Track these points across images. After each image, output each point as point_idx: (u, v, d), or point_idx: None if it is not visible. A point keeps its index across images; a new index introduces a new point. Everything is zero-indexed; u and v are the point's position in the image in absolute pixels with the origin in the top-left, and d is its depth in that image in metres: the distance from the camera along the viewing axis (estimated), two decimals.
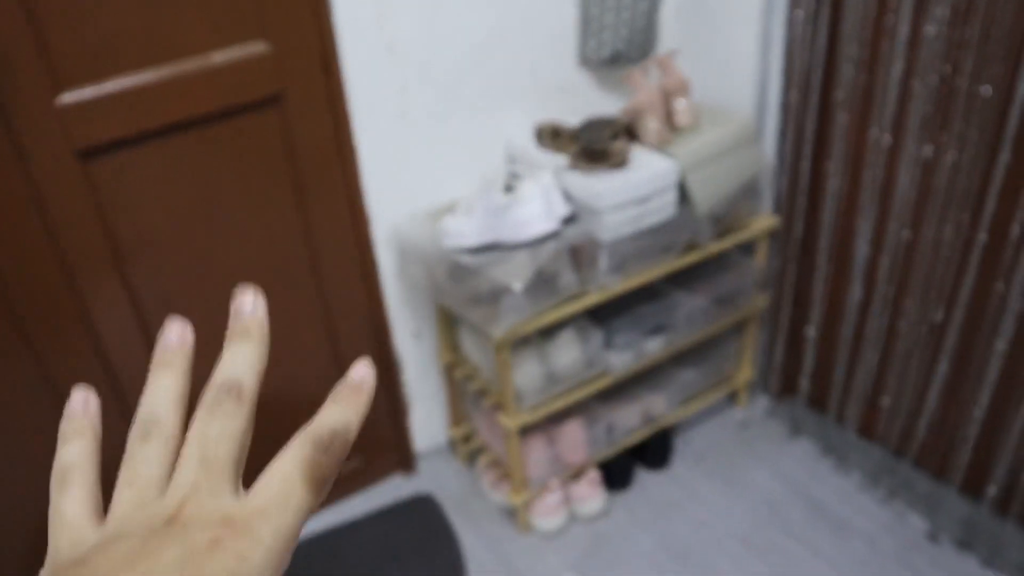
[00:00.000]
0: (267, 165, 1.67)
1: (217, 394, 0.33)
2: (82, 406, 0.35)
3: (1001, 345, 1.65)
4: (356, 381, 0.35)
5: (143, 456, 0.32)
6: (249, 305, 0.36)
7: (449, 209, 1.81)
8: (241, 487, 0.33)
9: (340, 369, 1.94)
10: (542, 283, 1.65)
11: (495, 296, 1.61)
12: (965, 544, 1.87)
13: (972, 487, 1.83)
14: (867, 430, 2.03)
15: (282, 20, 1.56)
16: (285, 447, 0.32)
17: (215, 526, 0.30)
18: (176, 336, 0.36)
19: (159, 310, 1.66)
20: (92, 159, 1.48)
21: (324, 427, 0.33)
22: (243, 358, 0.34)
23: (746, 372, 2.22)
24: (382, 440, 2.11)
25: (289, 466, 0.32)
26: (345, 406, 0.34)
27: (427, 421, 2.15)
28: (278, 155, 1.68)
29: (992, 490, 1.78)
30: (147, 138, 1.52)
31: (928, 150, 1.62)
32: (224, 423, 0.32)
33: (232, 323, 0.35)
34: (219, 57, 1.53)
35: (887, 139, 1.69)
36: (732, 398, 2.30)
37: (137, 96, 1.47)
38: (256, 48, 1.56)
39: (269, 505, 0.31)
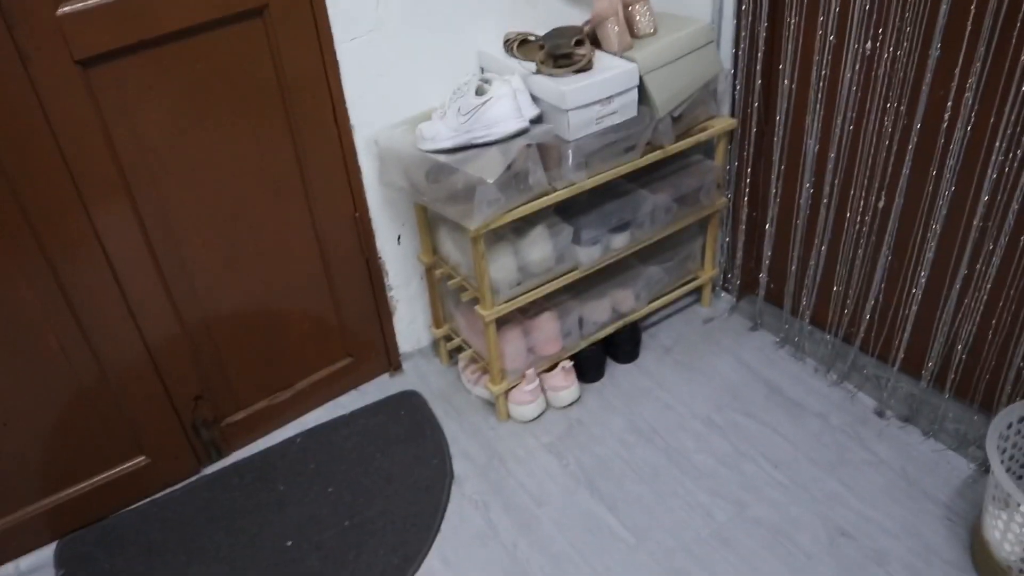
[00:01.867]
0: (255, 76, 1.77)
1: None
2: None
3: (936, 227, 1.79)
4: None
5: None
6: None
7: (427, 116, 1.92)
8: None
9: (328, 274, 2.07)
10: (513, 179, 1.78)
11: (470, 192, 1.74)
12: (908, 418, 2.04)
13: (913, 366, 2.00)
14: (819, 319, 2.19)
15: None
16: None
17: None
18: None
19: (159, 215, 1.77)
20: (92, 67, 1.58)
21: None
22: None
23: (709, 271, 2.37)
24: (369, 342, 2.25)
25: None
26: None
27: (411, 323, 2.29)
28: (265, 66, 1.78)
29: (930, 367, 1.95)
30: (142, 48, 1.61)
31: (869, 46, 1.75)
32: None
33: None
34: None
35: (832, 38, 1.82)
36: (697, 296, 2.46)
37: (131, 6, 1.57)
38: None
39: None
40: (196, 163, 1.77)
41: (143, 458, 2.00)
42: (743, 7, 1.96)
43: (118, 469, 1.98)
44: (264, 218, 1.92)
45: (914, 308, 1.92)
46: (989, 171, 1.65)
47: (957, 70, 1.61)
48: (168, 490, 2.05)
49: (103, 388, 1.86)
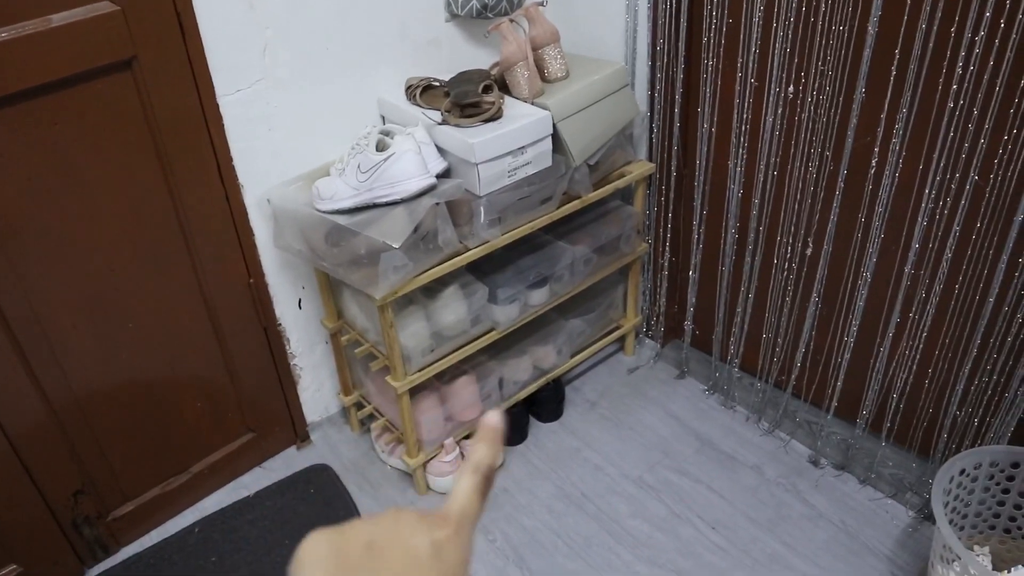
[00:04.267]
0: (126, 134, 1.58)
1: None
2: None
3: (866, 274, 1.72)
4: (492, 425, 0.49)
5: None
6: (494, 422, 0.49)
7: (324, 172, 1.76)
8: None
9: (223, 345, 1.88)
10: (421, 240, 1.63)
11: (374, 257, 1.58)
12: (843, 466, 1.97)
13: (847, 412, 1.93)
14: (749, 366, 2.10)
15: None
16: (461, 472, 0.47)
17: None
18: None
19: (18, 298, 1.56)
20: None
21: (482, 463, 0.47)
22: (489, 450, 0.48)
23: (632, 318, 2.26)
24: (273, 414, 2.05)
25: (468, 487, 0.46)
26: (490, 445, 0.48)
27: (318, 391, 2.11)
28: (137, 123, 1.59)
29: (864, 414, 1.88)
30: None
31: (791, 90, 1.67)
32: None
33: (481, 431, 0.49)
34: (59, 19, 1.43)
35: (752, 81, 1.73)
36: (620, 345, 2.35)
37: None
38: (101, 8, 1.46)
39: (464, 512, 0.45)
40: (60, 235, 1.57)
41: (14, 567, 1.76)
42: (658, 48, 1.86)
43: None
44: (144, 289, 1.72)
45: (847, 356, 1.85)
46: (919, 218, 1.58)
47: (883, 115, 1.54)
48: None
49: None
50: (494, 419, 0.49)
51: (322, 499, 1.98)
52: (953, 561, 1.50)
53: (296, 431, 2.12)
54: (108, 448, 1.81)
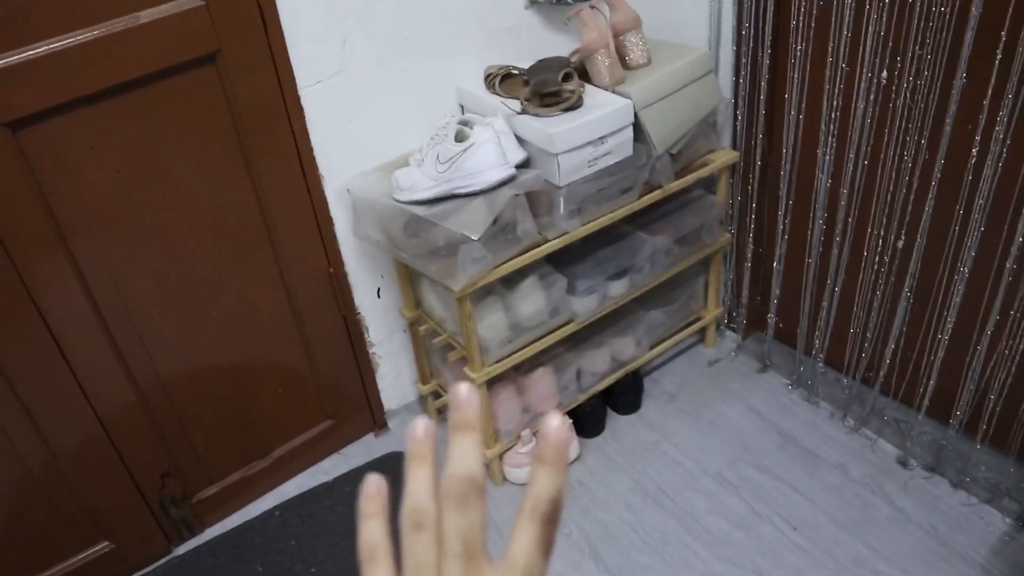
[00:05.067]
0: (210, 127, 1.61)
1: (461, 489, 0.38)
2: (376, 488, 0.41)
3: (964, 269, 1.64)
4: (555, 442, 0.38)
5: (421, 544, 0.38)
6: (465, 396, 0.40)
7: (403, 162, 1.76)
8: (491, 558, 0.38)
9: (302, 333, 1.91)
10: (500, 232, 1.61)
11: (453, 248, 1.57)
12: (934, 467, 1.89)
13: (940, 411, 1.85)
14: (835, 361, 2.03)
15: None
16: (518, 522, 0.38)
17: None
18: (423, 429, 0.40)
19: (108, 286, 1.61)
20: (22, 130, 1.42)
21: (544, 500, 0.38)
22: (472, 451, 0.39)
23: (713, 310, 2.21)
24: (352, 401, 2.08)
25: (528, 543, 0.37)
26: (554, 470, 0.38)
27: (396, 379, 2.12)
28: (221, 116, 1.62)
29: (959, 415, 1.80)
30: (79, 105, 1.45)
31: (885, 75, 1.59)
32: (472, 516, 0.38)
33: (453, 415, 0.40)
34: (148, 16, 1.45)
35: (844, 66, 1.66)
36: (700, 337, 2.30)
37: (64, 61, 1.40)
38: (187, 4, 1.49)
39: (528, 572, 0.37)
40: (147, 224, 1.61)
41: (107, 544, 1.83)
42: (743, 32, 1.80)
43: (79, 558, 1.81)
44: (227, 277, 1.75)
45: (940, 353, 1.77)
46: None
47: (986, 102, 1.46)
48: (138, 575, 1.89)
49: (54, 473, 1.69)
50: (557, 429, 0.38)
51: (399, 486, 1.99)
52: None
53: (374, 418, 2.14)
54: (193, 432, 1.86)
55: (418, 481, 0.39)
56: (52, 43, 1.38)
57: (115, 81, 1.46)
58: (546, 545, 0.38)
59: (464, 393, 0.40)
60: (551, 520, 0.38)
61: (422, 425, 0.40)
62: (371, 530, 0.40)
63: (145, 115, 1.53)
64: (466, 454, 0.39)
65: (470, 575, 0.37)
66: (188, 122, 1.58)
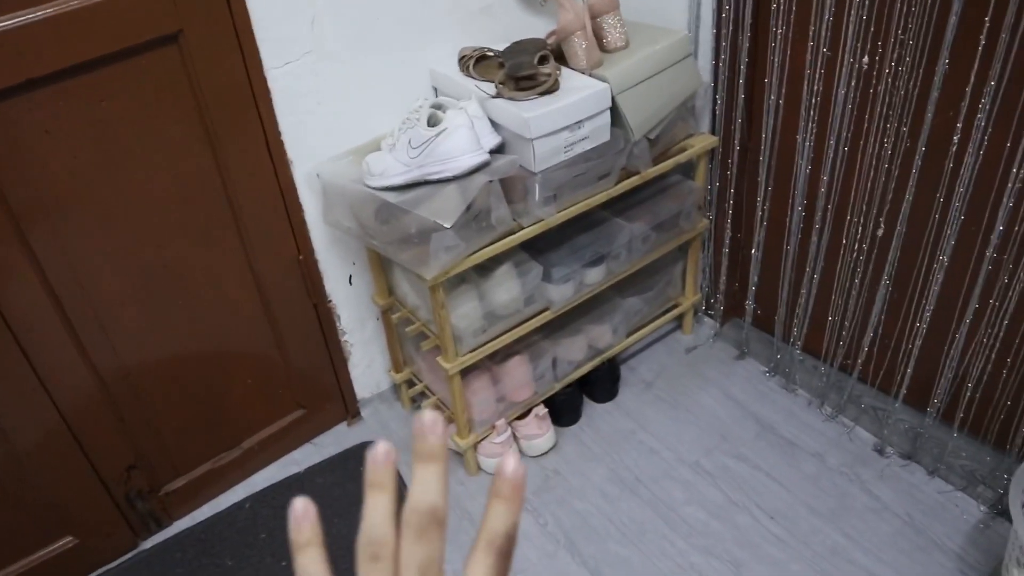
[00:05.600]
0: (173, 110, 1.55)
1: (421, 521, 0.37)
2: (303, 513, 0.39)
3: (943, 258, 1.62)
4: (511, 477, 0.38)
5: (377, 575, 0.37)
6: (429, 424, 0.38)
7: (374, 146, 1.71)
8: None
9: (272, 321, 1.86)
10: (474, 219, 1.57)
11: (425, 236, 1.53)
12: (911, 455, 1.88)
13: (917, 399, 1.84)
14: (813, 348, 2.02)
15: None
16: (471, 556, 0.37)
17: None
18: (383, 454, 0.38)
19: (67, 276, 1.55)
20: None
21: (499, 534, 0.37)
22: (435, 482, 0.37)
23: (691, 297, 2.18)
24: (323, 390, 2.04)
25: (483, 575, 0.37)
26: (508, 505, 0.37)
27: (368, 367, 2.08)
28: (184, 98, 1.56)
29: (937, 401, 1.79)
30: (33, 87, 1.38)
31: (866, 60, 1.56)
32: (431, 549, 0.36)
33: (416, 444, 0.38)
34: None
35: (825, 51, 1.63)
36: (678, 324, 2.28)
37: (16, 40, 1.33)
38: None
39: None
40: (107, 211, 1.55)
41: (70, 539, 1.78)
42: (723, 15, 1.76)
43: (42, 553, 1.76)
44: (193, 265, 1.70)
45: (919, 341, 1.76)
46: (1005, 199, 1.48)
47: (968, 89, 1.43)
48: (103, 569, 1.84)
49: (14, 467, 1.64)
50: (514, 470, 0.38)
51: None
52: None
53: (347, 408, 2.10)
54: (159, 423, 1.81)
55: (376, 510, 0.37)
56: (3, 21, 1.32)
57: (71, 62, 1.40)
58: None
59: (429, 421, 0.38)
60: (505, 554, 0.37)
61: (382, 450, 0.38)
62: (308, 563, 0.38)
63: (104, 97, 1.47)
64: (428, 485, 0.37)
65: None
66: (150, 104, 1.52)
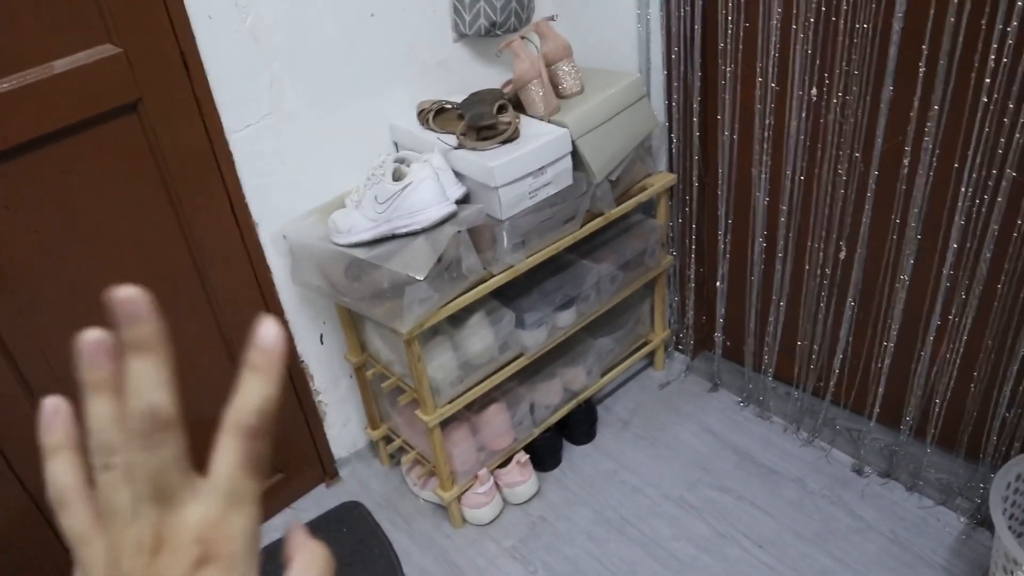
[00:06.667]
0: (135, 178, 1.54)
1: (143, 425, 0.32)
2: (54, 412, 0.35)
3: (904, 277, 1.67)
4: (266, 346, 0.34)
5: (111, 485, 0.33)
6: (133, 310, 0.33)
7: (339, 203, 1.72)
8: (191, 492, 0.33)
9: None
10: (445, 269, 1.58)
11: (398, 290, 1.53)
12: (888, 473, 1.90)
13: (890, 418, 1.87)
14: (784, 375, 2.05)
15: (128, 19, 1.42)
16: (220, 438, 0.33)
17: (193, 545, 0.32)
18: (98, 345, 0.34)
19: (33, 352, 1.52)
20: None
21: (249, 411, 0.33)
22: (151, 378, 0.33)
23: (661, 333, 2.21)
24: (300, 452, 2.01)
25: (231, 461, 0.33)
26: (262, 378, 0.34)
27: (344, 427, 2.06)
28: (147, 166, 1.55)
29: (909, 418, 1.82)
30: None
31: (815, 92, 1.62)
32: (161, 454, 0.33)
33: (126, 331, 0.33)
34: (62, 65, 1.39)
35: (773, 86, 1.68)
36: (650, 360, 2.29)
37: None
38: (102, 52, 1.43)
39: (227, 511, 0.33)
40: (72, 284, 1.52)
41: None
42: (672, 56, 1.81)
43: None
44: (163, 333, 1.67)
45: (887, 360, 1.79)
46: (957, 217, 1.53)
47: (914, 113, 1.49)
48: None
49: None
50: (269, 335, 0.34)
51: (355, 537, 1.92)
52: (1015, 572, 1.44)
53: (324, 468, 2.07)
54: None
55: (99, 414, 0.33)
56: None
57: (30, 135, 1.39)
58: (253, 463, 0.33)
59: (127, 294, 0.33)
60: (256, 434, 0.33)
61: (94, 339, 0.33)
62: (58, 471, 0.34)
63: (65, 169, 1.45)
64: (143, 382, 0.33)
65: (165, 517, 0.33)
66: (112, 174, 1.51)
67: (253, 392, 0.34)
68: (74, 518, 0.34)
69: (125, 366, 0.33)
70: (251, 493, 0.33)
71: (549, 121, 1.70)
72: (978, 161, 1.45)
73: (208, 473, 0.33)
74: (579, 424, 2.06)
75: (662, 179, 1.93)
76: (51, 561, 1.67)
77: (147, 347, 0.33)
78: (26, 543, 1.63)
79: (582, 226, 1.78)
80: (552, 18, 1.75)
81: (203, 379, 1.75)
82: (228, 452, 0.33)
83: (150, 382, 0.32)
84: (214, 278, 1.70)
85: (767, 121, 1.73)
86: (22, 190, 1.42)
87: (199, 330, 1.72)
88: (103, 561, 0.33)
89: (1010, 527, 1.62)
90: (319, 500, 2.05)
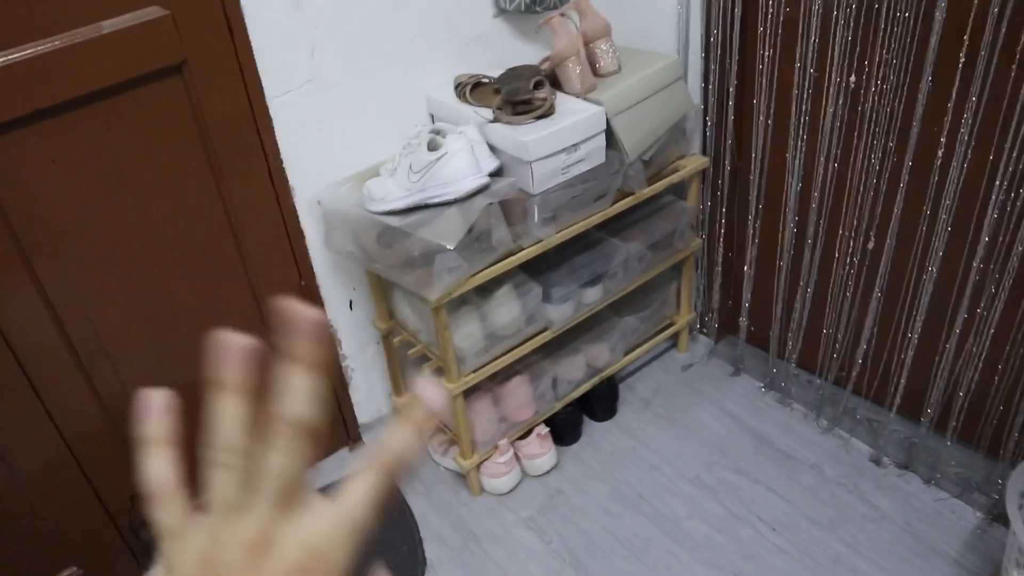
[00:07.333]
0: (177, 139, 1.58)
1: (287, 432, 0.35)
2: (161, 403, 0.37)
3: (932, 269, 1.67)
4: (427, 408, 0.36)
5: (230, 482, 0.35)
6: (309, 324, 0.35)
7: (374, 172, 1.74)
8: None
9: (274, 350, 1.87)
10: (475, 240, 1.60)
11: (428, 258, 1.56)
12: (907, 465, 1.91)
13: (910, 410, 1.87)
14: (807, 363, 2.05)
15: None
16: (361, 469, 0.35)
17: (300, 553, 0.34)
18: (238, 349, 0.36)
19: (73, 304, 1.56)
20: None
21: (393, 452, 0.36)
22: (307, 392, 0.35)
23: (686, 315, 2.22)
24: (325, 416, 2.04)
25: (363, 491, 0.35)
26: (414, 430, 0.36)
27: (369, 392, 2.10)
28: (188, 128, 1.59)
29: (930, 411, 1.82)
30: (40, 117, 1.41)
31: (853, 80, 1.62)
32: (293, 460, 0.35)
33: (294, 345, 0.35)
34: (111, 25, 1.42)
35: (812, 71, 1.68)
36: (674, 342, 2.31)
37: (24, 72, 1.36)
38: (150, 14, 1.46)
39: (344, 533, 0.35)
40: (113, 239, 1.57)
41: (75, 569, 1.77)
42: (711, 39, 1.82)
43: None
44: (196, 293, 1.72)
45: (910, 352, 1.79)
46: (990, 210, 1.52)
47: (951, 105, 1.49)
48: None
49: (19, 497, 1.63)
50: (433, 394, 0.36)
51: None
52: None
53: (348, 433, 2.11)
54: None
55: (231, 414, 0.35)
56: (11, 54, 1.34)
57: (77, 93, 1.43)
58: (378, 498, 0.35)
59: (309, 318, 0.34)
60: (391, 473, 0.36)
61: (238, 344, 0.35)
62: (158, 466, 0.36)
63: (109, 127, 1.49)
64: (300, 393, 0.35)
65: (280, 522, 0.34)
66: (154, 134, 1.54)
67: (402, 439, 0.36)
68: (169, 513, 0.36)
69: (280, 374, 0.35)
70: (367, 526, 0.35)
71: (585, 99, 1.71)
72: (1015, 155, 1.44)
73: (337, 494, 0.35)
74: (601, 401, 2.08)
75: (695, 161, 1.94)
76: (85, 511, 1.73)
77: (316, 366, 0.35)
78: (62, 492, 1.68)
79: (613, 204, 1.79)
80: None
81: None
82: (364, 483, 0.35)
83: (307, 395, 0.35)
84: (249, 241, 1.73)
85: (804, 107, 1.72)
86: (68, 146, 1.46)
87: (233, 291, 1.76)
88: (196, 555, 0.34)
89: None
90: (342, 463, 2.10)
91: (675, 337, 2.28)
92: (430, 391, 0.36)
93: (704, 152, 1.98)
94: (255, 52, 1.58)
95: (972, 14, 1.39)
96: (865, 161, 1.67)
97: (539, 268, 1.81)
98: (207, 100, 1.57)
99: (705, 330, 2.29)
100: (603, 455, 2.03)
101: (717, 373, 2.23)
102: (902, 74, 1.53)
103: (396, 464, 0.35)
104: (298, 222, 1.78)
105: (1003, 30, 1.36)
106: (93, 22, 1.41)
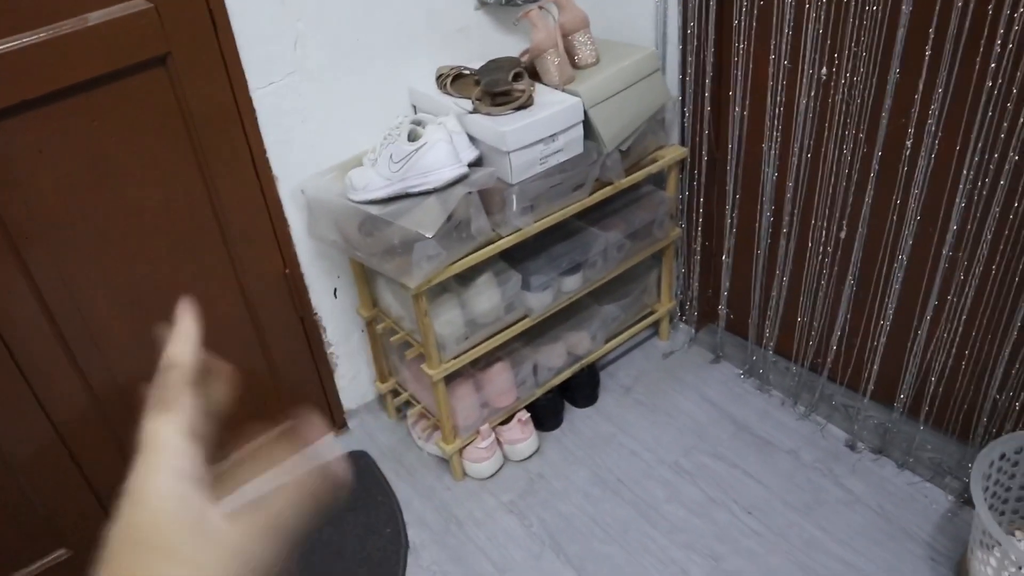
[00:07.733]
0: (162, 130, 1.61)
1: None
2: (191, 321, 0.47)
3: (902, 257, 1.70)
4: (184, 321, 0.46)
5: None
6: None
7: (356, 162, 1.77)
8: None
9: (259, 335, 1.91)
10: (454, 229, 1.64)
11: (407, 246, 1.59)
12: (881, 450, 1.95)
13: (884, 395, 1.91)
14: (784, 350, 2.09)
15: None
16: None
17: None
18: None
19: (61, 292, 1.59)
20: None
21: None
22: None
23: (666, 303, 2.25)
24: (311, 402, 2.08)
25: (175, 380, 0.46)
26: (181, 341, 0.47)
27: (354, 379, 2.13)
28: (173, 118, 1.62)
29: (903, 397, 1.86)
30: (27, 108, 1.44)
31: (824, 72, 1.65)
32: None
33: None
34: (96, 17, 1.45)
35: (785, 63, 1.71)
36: (655, 330, 2.34)
37: (11, 63, 1.39)
38: (135, 6, 1.49)
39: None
40: (99, 228, 1.60)
41: (63, 551, 1.81)
42: (688, 32, 1.85)
43: (36, 566, 1.79)
44: (181, 281, 1.75)
45: (883, 339, 1.83)
46: (957, 199, 1.56)
47: (918, 96, 1.52)
48: None
49: (8, 480, 1.67)
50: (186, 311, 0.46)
51: (360, 485, 2.00)
52: (993, 547, 1.48)
53: (334, 418, 2.15)
54: None
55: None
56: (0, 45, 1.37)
57: (63, 84, 1.46)
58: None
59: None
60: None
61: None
62: (182, 346, 0.47)
63: (95, 118, 1.52)
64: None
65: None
66: (139, 125, 1.57)
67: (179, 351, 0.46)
68: (170, 383, 0.46)
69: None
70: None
71: (563, 90, 1.74)
72: (980, 145, 1.48)
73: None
74: (581, 387, 2.12)
75: (673, 152, 1.97)
76: (74, 494, 1.77)
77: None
78: (52, 475, 1.72)
79: (591, 194, 1.82)
80: None
81: (218, 326, 1.84)
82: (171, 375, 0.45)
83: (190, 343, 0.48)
84: (234, 229, 1.76)
85: (778, 98, 1.76)
86: (55, 136, 1.49)
87: (217, 279, 1.80)
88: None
89: (992, 506, 1.67)
90: (328, 448, 2.13)
91: (656, 325, 2.32)
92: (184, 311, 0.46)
93: (682, 142, 2.01)
94: (238, 44, 1.61)
95: (937, 7, 1.42)
96: (837, 152, 1.71)
97: (519, 256, 1.85)
98: (191, 91, 1.60)
99: (685, 318, 2.33)
100: (584, 441, 2.07)
101: (697, 360, 2.27)
102: (871, 66, 1.57)
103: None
104: (282, 211, 1.81)
105: (968, 22, 1.40)
106: (79, 14, 1.44)
